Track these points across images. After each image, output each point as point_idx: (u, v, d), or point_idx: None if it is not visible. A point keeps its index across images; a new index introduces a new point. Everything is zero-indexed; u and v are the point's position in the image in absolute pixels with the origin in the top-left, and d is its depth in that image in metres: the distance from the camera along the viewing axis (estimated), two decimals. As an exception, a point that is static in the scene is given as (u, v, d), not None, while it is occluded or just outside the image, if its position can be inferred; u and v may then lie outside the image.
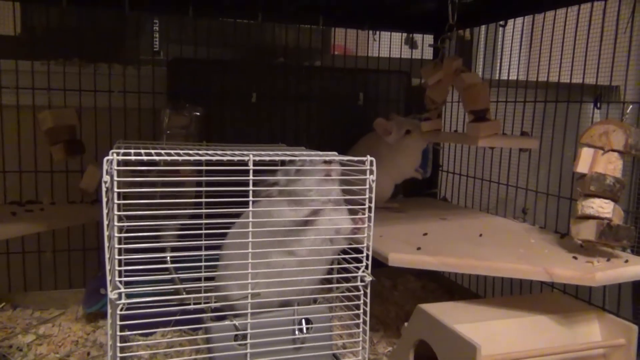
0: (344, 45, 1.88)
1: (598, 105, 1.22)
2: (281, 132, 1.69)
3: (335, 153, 0.96)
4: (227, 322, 0.84)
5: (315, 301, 0.94)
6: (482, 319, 1.08)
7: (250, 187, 0.79)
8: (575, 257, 1.12)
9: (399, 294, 1.72)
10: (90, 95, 1.56)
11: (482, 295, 1.64)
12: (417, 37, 1.88)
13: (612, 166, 1.08)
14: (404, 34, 1.93)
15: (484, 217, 1.54)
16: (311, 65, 1.88)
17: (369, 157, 0.86)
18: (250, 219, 0.80)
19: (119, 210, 0.76)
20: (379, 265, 1.19)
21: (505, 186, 1.57)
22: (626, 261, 1.09)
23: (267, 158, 0.80)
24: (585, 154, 1.10)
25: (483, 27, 1.90)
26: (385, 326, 1.44)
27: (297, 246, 0.91)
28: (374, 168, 0.86)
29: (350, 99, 1.79)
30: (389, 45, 1.85)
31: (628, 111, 1.13)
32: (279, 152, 0.87)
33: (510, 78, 1.76)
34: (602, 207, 1.07)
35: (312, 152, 0.95)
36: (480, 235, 1.31)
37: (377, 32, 1.81)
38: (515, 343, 1.03)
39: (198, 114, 1.34)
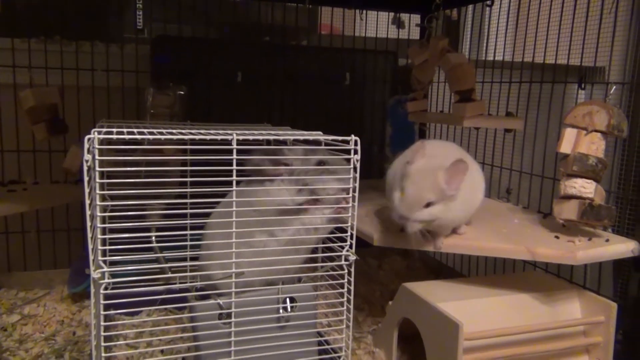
0: (330, 25, 1.86)
1: (582, 85, 1.23)
2: (267, 112, 1.68)
3: (320, 133, 0.95)
4: (211, 301, 0.84)
5: (299, 280, 0.94)
6: (465, 298, 1.10)
7: (234, 167, 0.78)
8: (557, 237, 1.13)
9: (385, 274, 1.73)
10: (72, 73, 1.53)
11: (467, 274, 1.66)
12: (404, 16, 1.86)
13: (594, 146, 1.08)
14: (391, 14, 1.91)
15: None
16: (297, 45, 1.87)
17: (353, 137, 0.85)
18: (234, 199, 0.80)
19: (101, 189, 0.75)
20: (365, 245, 1.20)
21: (490, 166, 1.57)
22: (607, 240, 1.10)
23: (251, 137, 0.80)
24: (569, 134, 1.11)
25: (470, 7, 1.89)
26: (371, 305, 1.45)
27: (283, 231, 0.91)
28: (359, 148, 0.86)
29: (336, 79, 1.78)
30: (375, 24, 1.84)
31: (611, 92, 1.14)
32: (264, 132, 0.87)
33: (496, 59, 1.76)
34: (584, 187, 1.08)
35: (297, 132, 0.95)
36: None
37: (364, 12, 1.79)
38: (497, 321, 1.05)
39: (182, 93, 1.32)
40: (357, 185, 0.87)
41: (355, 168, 0.86)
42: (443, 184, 1.00)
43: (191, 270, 0.91)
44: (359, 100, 1.80)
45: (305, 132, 0.93)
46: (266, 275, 0.89)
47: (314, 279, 0.95)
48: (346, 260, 0.88)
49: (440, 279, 1.29)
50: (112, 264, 0.78)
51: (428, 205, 1.00)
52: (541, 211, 1.35)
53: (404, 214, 1.00)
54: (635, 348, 1.15)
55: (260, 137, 0.82)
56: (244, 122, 1.36)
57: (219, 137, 0.78)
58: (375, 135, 1.83)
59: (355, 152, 0.85)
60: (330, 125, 1.62)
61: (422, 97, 1.54)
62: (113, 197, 0.80)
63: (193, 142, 0.89)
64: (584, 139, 1.09)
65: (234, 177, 0.79)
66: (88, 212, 0.75)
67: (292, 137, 0.86)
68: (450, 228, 1.12)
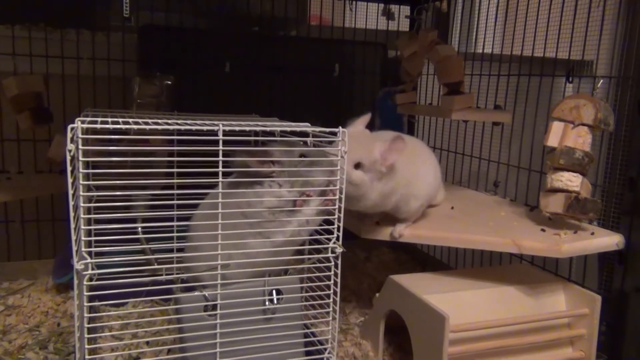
0: (319, 16, 1.85)
1: (570, 79, 1.23)
2: (255, 103, 1.67)
3: (308, 124, 0.95)
4: (196, 293, 0.84)
5: (286, 272, 0.94)
6: (452, 290, 1.10)
7: (220, 158, 0.77)
8: (543, 230, 1.14)
9: (373, 266, 1.73)
10: (58, 62, 1.51)
11: (454, 266, 1.67)
12: (394, 8, 1.85)
13: (581, 140, 1.09)
14: (381, 5, 1.90)
15: (456, 190, 1.55)
16: (286, 35, 1.85)
17: (340, 128, 0.85)
18: (220, 190, 0.79)
19: (85, 179, 0.74)
20: (353, 237, 1.20)
21: (478, 159, 1.58)
22: (592, 233, 1.11)
23: (238, 128, 0.79)
24: (556, 127, 1.12)
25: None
26: (358, 297, 1.45)
27: (274, 232, 0.91)
28: (347, 139, 0.85)
29: (325, 70, 1.77)
30: (365, 16, 1.83)
31: (599, 85, 1.14)
32: (251, 123, 0.86)
33: (486, 51, 1.76)
34: (571, 181, 1.08)
35: (285, 124, 0.94)
36: (452, 208, 1.33)
37: (354, 3, 1.78)
38: (482, 313, 1.05)
39: (169, 82, 1.31)
40: (344, 176, 0.87)
41: (342, 160, 0.85)
42: (377, 153, 1.00)
43: (177, 262, 0.90)
44: (348, 92, 1.79)
45: (293, 124, 0.92)
46: (252, 268, 0.89)
47: (301, 271, 0.94)
48: (332, 252, 0.87)
49: (427, 271, 1.30)
50: (98, 254, 0.77)
51: (357, 166, 0.99)
52: (528, 204, 1.36)
53: None
54: (619, 340, 1.16)
55: (247, 128, 0.81)
56: (232, 113, 1.35)
57: (205, 128, 0.77)
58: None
59: (343, 144, 0.85)
60: (318, 116, 1.62)
61: (411, 90, 1.54)
62: (98, 188, 0.79)
63: (180, 132, 0.88)
64: (570, 133, 1.10)
65: (220, 169, 0.78)
66: (71, 203, 0.73)
67: (279, 129, 0.85)
68: (382, 211, 1.12)
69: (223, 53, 1.65)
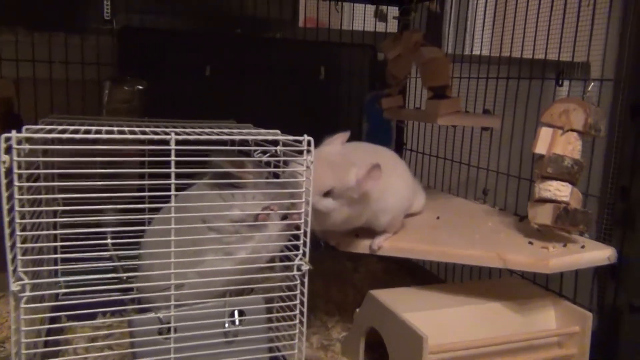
0: (317, 18, 1.78)
1: (560, 82, 1.17)
2: (237, 108, 1.60)
3: (278, 131, 0.89)
4: (150, 315, 0.78)
5: (251, 291, 0.87)
6: (435, 307, 1.04)
7: (172, 169, 0.71)
8: (531, 243, 1.07)
9: (360, 277, 1.67)
10: (30, 65, 1.45)
11: (445, 277, 1.60)
12: (381, 8, 1.79)
13: (570, 147, 1.02)
14: (370, 6, 1.84)
15: (444, 199, 1.49)
16: (269, 37, 1.79)
17: (306, 137, 0.79)
18: (173, 204, 0.73)
19: (23, 193, 0.68)
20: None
21: (467, 166, 1.51)
22: (582, 247, 1.04)
23: (193, 137, 0.73)
24: (544, 134, 1.05)
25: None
26: (342, 310, 1.39)
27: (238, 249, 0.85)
28: (312, 148, 0.79)
29: (311, 73, 1.71)
30: (351, 16, 1.77)
31: (589, 88, 1.08)
32: (206, 131, 0.80)
33: (477, 53, 1.69)
34: (559, 190, 1.02)
35: (254, 131, 0.88)
36: (438, 218, 1.26)
37: (340, 3, 1.72)
38: (467, 331, 0.99)
39: (141, 87, 1.25)
40: (311, 189, 0.80)
41: (309, 170, 0.79)
42: (352, 180, 0.93)
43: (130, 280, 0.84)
44: (335, 96, 1.73)
45: (263, 131, 0.86)
46: (211, 287, 0.82)
47: (267, 290, 0.88)
48: (299, 270, 0.81)
49: (416, 283, 1.24)
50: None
51: (327, 194, 0.92)
52: (517, 214, 1.29)
53: None
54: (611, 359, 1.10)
55: (203, 137, 0.74)
56: (212, 119, 1.29)
57: (156, 137, 0.71)
58: (351, 132, 1.75)
59: (309, 153, 0.78)
60: (303, 121, 1.57)
61: (397, 93, 1.48)
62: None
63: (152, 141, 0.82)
64: (559, 139, 1.03)
65: (172, 181, 0.72)
66: (6, 219, 0.67)
67: (238, 137, 0.79)
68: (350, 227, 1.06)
69: (203, 56, 1.59)
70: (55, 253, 0.89)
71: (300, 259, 0.81)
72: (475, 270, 1.51)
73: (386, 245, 1.09)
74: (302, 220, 0.80)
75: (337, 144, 1.01)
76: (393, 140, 1.78)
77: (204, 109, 1.58)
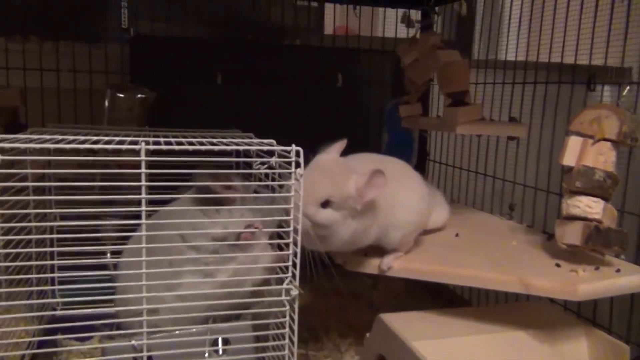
0: (346, 26, 1.70)
1: (592, 86, 1.05)
2: (248, 117, 1.54)
3: (273, 141, 0.81)
4: (123, 343, 0.71)
5: (237, 317, 0.79)
6: (451, 334, 0.94)
7: (143, 182, 0.64)
8: (558, 265, 0.96)
9: (379, 295, 1.57)
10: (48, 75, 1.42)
11: (469, 298, 1.49)
12: (408, 13, 1.71)
13: (602, 158, 0.91)
14: (390, 10, 1.76)
15: (467, 214, 1.38)
16: (284, 44, 1.73)
17: (294, 147, 0.71)
18: (144, 221, 0.66)
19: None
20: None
21: (492, 179, 1.40)
22: (618, 270, 0.93)
23: (165, 147, 0.66)
24: (573, 143, 0.94)
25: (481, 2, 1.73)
26: (356, 332, 1.29)
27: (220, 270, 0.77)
28: (301, 160, 0.71)
29: (327, 81, 1.63)
30: (370, 21, 1.69)
31: (625, 93, 0.96)
32: (183, 140, 0.73)
33: (510, 59, 1.58)
34: (590, 207, 0.90)
35: (239, 140, 0.80)
36: (457, 235, 1.16)
37: (359, 7, 1.64)
38: (483, 364, 0.89)
39: (143, 95, 1.20)
40: (301, 205, 0.72)
41: (298, 184, 0.71)
42: (351, 189, 0.85)
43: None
44: (353, 104, 1.64)
45: (255, 140, 0.79)
46: (192, 312, 0.75)
47: (256, 316, 0.80)
48: (287, 294, 0.73)
49: (439, 303, 1.14)
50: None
51: (325, 203, 0.84)
52: (546, 232, 1.17)
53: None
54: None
55: (176, 147, 0.67)
56: (222, 128, 1.24)
57: (124, 147, 0.64)
58: (371, 143, 1.67)
59: (298, 165, 0.70)
60: (320, 131, 1.48)
61: (417, 101, 1.38)
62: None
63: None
64: (590, 150, 0.92)
65: (143, 195, 0.65)
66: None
67: (217, 148, 0.71)
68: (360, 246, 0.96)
69: (215, 63, 1.54)
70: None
71: (289, 283, 0.73)
72: (503, 291, 1.40)
73: (396, 266, 1.00)
74: (291, 240, 0.72)
75: (334, 153, 0.93)
76: (415, 151, 1.69)
77: (214, 118, 1.53)
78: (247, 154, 0.79)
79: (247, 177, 0.82)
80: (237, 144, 0.73)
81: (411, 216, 1.00)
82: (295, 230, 0.72)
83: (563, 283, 0.88)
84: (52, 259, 0.99)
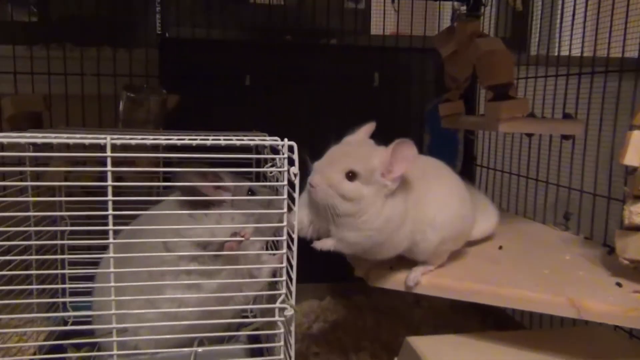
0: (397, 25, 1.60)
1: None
2: (278, 119, 1.45)
3: (267, 134, 0.72)
4: (94, 366, 0.62)
5: (228, 339, 0.69)
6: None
7: (109, 183, 0.56)
8: (619, 284, 0.80)
9: (420, 313, 1.44)
10: (74, 80, 1.40)
11: (519, 319, 1.32)
12: (446, 4, 1.58)
13: (673, 156, 0.75)
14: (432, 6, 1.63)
15: (515, 223, 1.22)
16: (318, 44, 1.63)
17: (286, 141, 0.60)
18: (111, 226, 0.57)
19: None
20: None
21: (544, 184, 1.24)
22: (694, 292, 0.76)
23: (134, 142, 0.57)
24: (636, 140, 0.79)
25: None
26: (391, 352, 1.17)
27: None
28: (295, 156, 0.60)
29: (363, 80, 1.52)
30: (410, 17, 1.57)
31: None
32: (173, 137, 0.64)
33: (565, 54, 1.42)
34: (659, 215, 0.75)
35: (238, 135, 0.71)
36: (500, 248, 1.01)
37: (396, 1, 1.52)
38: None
39: (158, 98, 1.13)
40: (296, 210, 0.61)
41: (291, 184, 0.60)
42: (375, 161, 0.77)
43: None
44: (391, 105, 1.52)
45: (246, 137, 0.69)
46: (177, 333, 0.65)
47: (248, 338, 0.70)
48: (282, 315, 0.62)
49: (488, 323, 0.99)
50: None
51: (352, 176, 0.76)
52: (607, 244, 1.01)
53: (316, 174, 0.75)
54: None
55: (146, 141, 0.58)
56: (249, 130, 1.17)
57: (87, 142, 0.56)
58: (411, 146, 1.54)
59: (291, 163, 0.60)
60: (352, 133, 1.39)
61: (458, 98, 1.25)
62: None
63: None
64: (658, 146, 0.76)
65: (110, 197, 0.57)
66: None
67: (195, 143, 0.62)
68: (382, 250, 0.84)
69: (244, 65, 1.47)
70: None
71: (283, 301, 0.62)
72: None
73: (424, 281, 0.87)
74: (284, 251, 0.61)
75: (362, 134, 0.87)
76: (460, 154, 1.54)
77: (242, 120, 1.45)
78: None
79: (238, 177, 0.72)
80: (218, 140, 0.63)
81: (449, 218, 0.87)
82: (291, 238, 0.62)
83: (624, 307, 0.73)
84: (62, 268, 0.93)
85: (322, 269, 1.05)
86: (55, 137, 0.57)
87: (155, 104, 1.13)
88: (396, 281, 0.90)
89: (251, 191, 0.73)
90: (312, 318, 1.41)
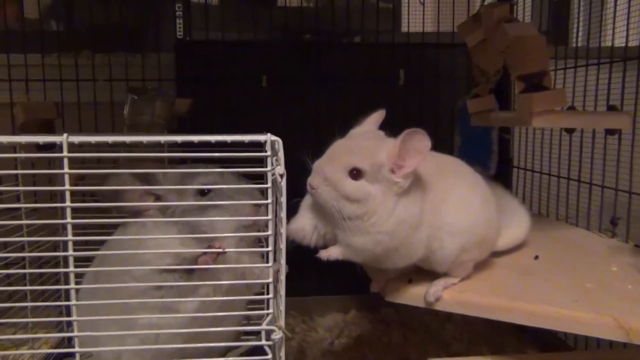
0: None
1: None
2: (297, 120, 1.37)
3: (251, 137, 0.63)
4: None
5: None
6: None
7: (67, 187, 0.49)
8: (677, 301, 0.68)
9: (453, 329, 1.33)
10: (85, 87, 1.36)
11: (563, 336, 1.19)
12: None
13: None
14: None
15: (554, 229, 1.10)
16: (339, 42, 1.55)
17: (269, 136, 0.52)
18: (71, 237, 0.50)
19: None
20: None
21: (587, 185, 1.12)
22: None
23: (93, 140, 0.50)
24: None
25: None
26: (418, 374, 1.07)
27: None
28: (281, 154, 0.52)
29: (387, 78, 1.43)
30: (437, 12, 1.47)
31: None
32: (142, 138, 0.56)
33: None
34: None
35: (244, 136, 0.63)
36: (536, 257, 0.90)
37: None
38: None
39: (165, 101, 1.07)
40: (284, 216, 0.53)
41: (278, 187, 0.52)
42: (382, 155, 0.68)
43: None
44: (418, 103, 1.42)
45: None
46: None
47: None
48: (268, 338, 0.53)
49: (524, 343, 0.86)
50: None
51: (356, 174, 0.68)
52: (662, 253, 0.88)
53: (315, 174, 0.68)
54: None
55: (107, 139, 0.51)
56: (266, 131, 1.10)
57: (41, 141, 0.49)
58: (440, 146, 1.43)
59: (276, 163, 0.51)
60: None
61: (488, 93, 1.14)
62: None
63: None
64: None
65: (68, 204, 0.49)
66: None
67: (163, 139, 0.54)
68: (395, 258, 0.74)
69: (261, 65, 1.41)
70: None
71: (269, 323, 0.53)
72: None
73: (446, 297, 0.76)
74: (270, 264, 0.52)
75: (370, 124, 0.79)
76: (494, 155, 1.42)
77: (259, 122, 1.39)
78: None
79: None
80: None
81: (469, 222, 0.76)
82: (278, 249, 0.53)
83: (683, 329, 0.61)
84: (66, 282, 0.87)
85: (347, 279, 0.97)
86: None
87: (161, 107, 1.07)
88: (414, 296, 0.80)
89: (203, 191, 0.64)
90: (336, 333, 1.32)
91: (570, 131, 1.15)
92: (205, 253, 0.56)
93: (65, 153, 0.49)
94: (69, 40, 1.48)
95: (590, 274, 0.81)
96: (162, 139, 0.54)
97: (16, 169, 0.72)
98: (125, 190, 0.61)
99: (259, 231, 0.59)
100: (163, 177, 0.62)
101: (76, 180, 1.03)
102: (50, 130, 1.29)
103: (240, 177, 0.67)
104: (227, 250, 0.56)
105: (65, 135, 0.49)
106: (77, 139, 0.49)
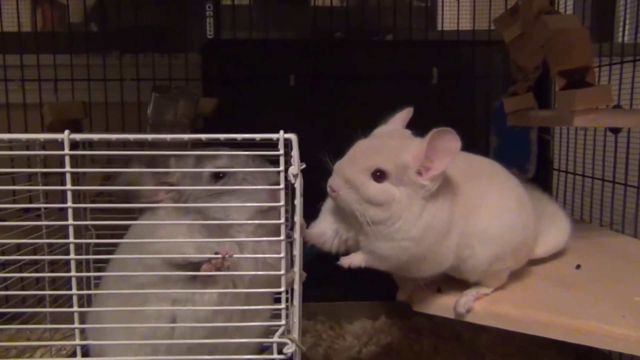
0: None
1: None
2: (325, 120, 1.34)
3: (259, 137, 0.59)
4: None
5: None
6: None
7: (68, 187, 0.46)
8: None
9: (488, 339, 1.27)
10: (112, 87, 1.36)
11: (607, 352, 1.12)
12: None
13: None
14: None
15: (600, 237, 1.03)
16: (372, 40, 1.51)
17: (282, 133, 0.48)
18: (70, 240, 0.48)
19: None
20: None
21: (635, 189, 1.04)
22: None
23: (96, 137, 0.47)
24: None
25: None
26: (449, 386, 1.02)
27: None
28: (295, 152, 0.48)
29: (420, 77, 1.38)
30: (472, 10, 1.41)
31: None
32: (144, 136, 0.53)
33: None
34: None
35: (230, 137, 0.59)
36: (578, 267, 0.83)
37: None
38: None
39: (189, 100, 1.05)
40: (299, 218, 0.49)
41: (291, 187, 0.48)
42: (407, 156, 0.64)
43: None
44: (451, 103, 1.37)
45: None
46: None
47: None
48: (280, 353, 0.49)
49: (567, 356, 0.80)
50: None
51: (379, 176, 0.64)
52: None
53: (336, 176, 0.65)
54: None
55: (103, 136, 0.48)
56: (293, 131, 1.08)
57: (24, 138, 0.47)
58: (475, 147, 1.38)
59: (287, 161, 0.47)
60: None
61: (526, 91, 1.08)
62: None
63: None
64: None
65: (70, 204, 0.47)
66: None
67: (159, 137, 0.51)
68: (422, 267, 0.69)
69: (289, 64, 1.38)
70: None
71: (282, 335, 0.49)
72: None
73: (478, 308, 0.71)
74: (283, 271, 0.49)
75: (397, 123, 0.75)
76: (533, 157, 1.35)
77: (286, 121, 1.36)
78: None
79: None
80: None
81: (505, 229, 0.71)
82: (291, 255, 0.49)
83: None
84: (88, 287, 0.85)
85: (377, 284, 0.93)
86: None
87: (185, 106, 1.05)
88: (443, 306, 0.75)
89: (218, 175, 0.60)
90: (364, 340, 1.28)
91: (615, 131, 1.08)
92: (210, 260, 0.52)
93: (66, 151, 0.46)
94: (99, 42, 1.49)
95: (638, 286, 0.74)
96: (167, 137, 0.51)
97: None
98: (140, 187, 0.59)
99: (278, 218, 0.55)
100: (176, 164, 0.60)
101: (102, 180, 1.03)
102: (78, 130, 1.29)
103: (259, 160, 0.64)
104: (233, 255, 0.52)
105: (66, 132, 0.47)
106: (78, 136, 0.47)
